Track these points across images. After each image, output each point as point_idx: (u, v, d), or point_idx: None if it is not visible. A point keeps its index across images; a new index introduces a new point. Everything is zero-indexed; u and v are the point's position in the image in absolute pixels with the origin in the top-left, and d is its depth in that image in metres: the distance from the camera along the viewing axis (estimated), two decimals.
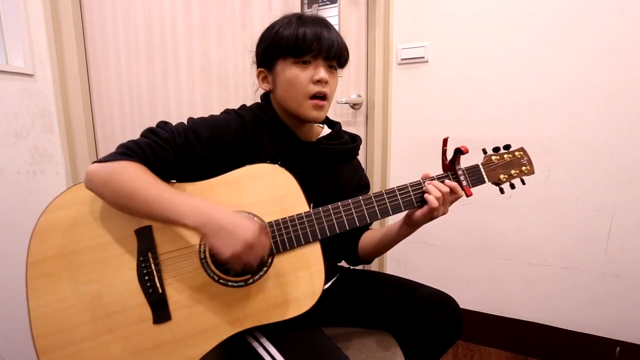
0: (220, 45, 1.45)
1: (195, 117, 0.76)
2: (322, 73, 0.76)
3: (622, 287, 1.30)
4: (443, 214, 0.74)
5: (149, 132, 0.71)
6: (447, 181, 0.74)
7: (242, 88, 1.48)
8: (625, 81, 1.21)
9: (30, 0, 1.22)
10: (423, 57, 1.46)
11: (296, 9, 1.47)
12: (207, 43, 1.44)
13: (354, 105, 1.54)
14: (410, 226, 0.79)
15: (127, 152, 0.67)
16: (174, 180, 0.72)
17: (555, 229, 1.36)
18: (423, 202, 0.74)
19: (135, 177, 0.64)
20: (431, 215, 0.74)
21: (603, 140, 1.26)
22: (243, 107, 0.83)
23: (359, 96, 1.53)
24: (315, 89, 0.76)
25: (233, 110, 0.81)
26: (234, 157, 0.75)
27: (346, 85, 1.53)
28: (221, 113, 0.80)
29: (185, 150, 0.71)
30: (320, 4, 1.47)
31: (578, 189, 1.31)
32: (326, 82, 0.77)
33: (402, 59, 1.49)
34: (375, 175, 1.57)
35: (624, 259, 1.28)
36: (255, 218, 0.70)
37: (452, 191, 0.74)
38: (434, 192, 0.72)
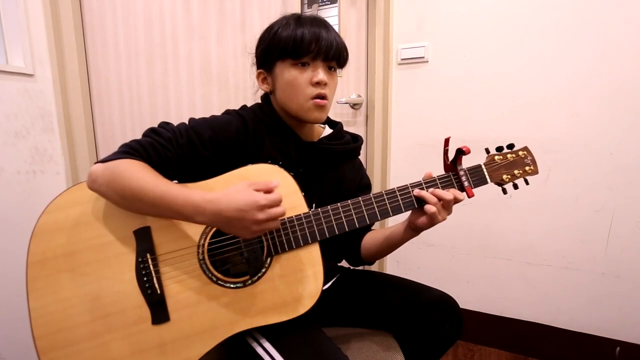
0: (220, 45, 1.45)
1: (196, 117, 0.76)
2: (320, 75, 0.75)
3: (622, 287, 1.30)
4: (443, 219, 0.74)
5: (151, 132, 0.72)
6: (435, 189, 0.73)
7: (242, 88, 1.48)
8: (625, 81, 1.21)
9: (30, 0, 1.22)
10: (423, 57, 1.45)
11: (296, 9, 1.47)
12: (207, 43, 1.44)
13: (354, 105, 1.54)
14: (413, 230, 0.79)
15: (129, 151, 0.67)
16: (176, 181, 0.72)
17: (555, 229, 1.36)
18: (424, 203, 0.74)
19: (139, 176, 0.64)
20: (431, 222, 0.74)
21: (603, 140, 1.26)
22: (244, 107, 0.83)
23: (359, 96, 1.53)
24: (315, 91, 0.76)
25: (234, 110, 0.81)
26: (236, 158, 0.75)
27: (346, 85, 1.53)
28: (222, 113, 0.80)
29: (187, 150, 0.71)
30: (320, 4, 1.46)
31: (578, 189, 1.31)
32: (325, 84, 0.76)
33: (402, 59, 1.48)
34: (375, 175, 1.57)
35: (624, 259, 1.28)
36: None
37: (439, 198, 0.72)
38: (429, 200, 0.72)
